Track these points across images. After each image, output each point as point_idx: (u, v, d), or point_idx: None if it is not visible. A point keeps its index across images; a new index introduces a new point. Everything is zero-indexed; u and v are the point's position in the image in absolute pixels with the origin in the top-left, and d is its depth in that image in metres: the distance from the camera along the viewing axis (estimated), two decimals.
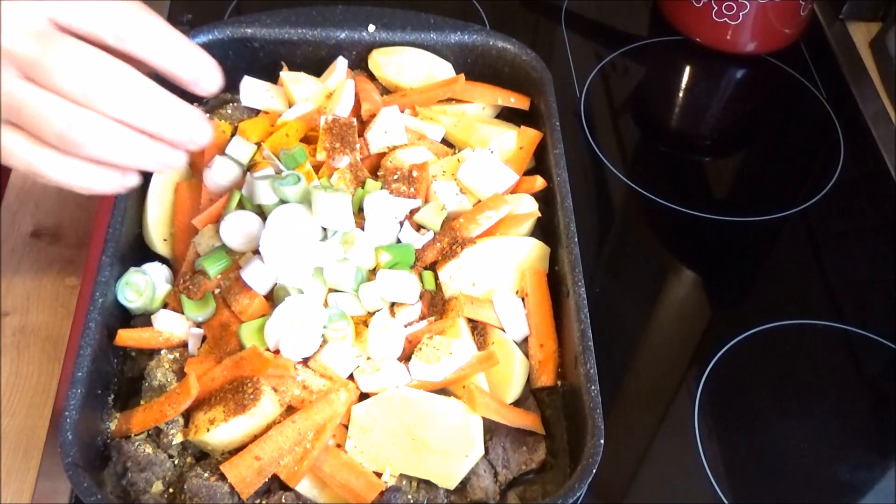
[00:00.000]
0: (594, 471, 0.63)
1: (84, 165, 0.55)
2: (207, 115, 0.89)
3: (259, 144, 0.84)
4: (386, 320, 0.72)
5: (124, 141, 0.54)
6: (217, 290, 0.74)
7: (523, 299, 0.76)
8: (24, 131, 0.51)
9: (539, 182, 0.83)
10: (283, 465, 0.65)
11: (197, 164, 0.83)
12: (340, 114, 0.85)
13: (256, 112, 0.90)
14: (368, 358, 0.71)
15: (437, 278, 0.76)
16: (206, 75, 0.58)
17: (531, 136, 0.86)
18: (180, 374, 0.70)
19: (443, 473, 0.66)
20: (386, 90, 0.91)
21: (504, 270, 0.78)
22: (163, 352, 0.72)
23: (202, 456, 0.68)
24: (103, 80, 0.51)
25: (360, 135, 0.84)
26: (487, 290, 0.77)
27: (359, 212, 0.77)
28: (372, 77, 0.92)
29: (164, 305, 0.74)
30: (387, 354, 0.70)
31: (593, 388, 0.67)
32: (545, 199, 0.83)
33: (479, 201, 0.81)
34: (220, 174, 0.81)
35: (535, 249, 0.79)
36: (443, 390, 0.71)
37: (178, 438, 0.68)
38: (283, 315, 0.69)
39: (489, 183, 0.81)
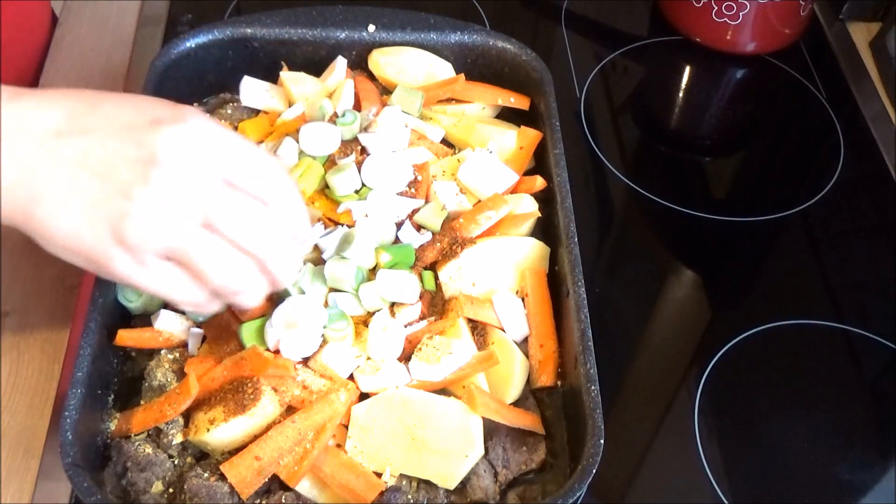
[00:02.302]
0: (594, 471, 0.63)
1: (216, 302, 0.63)
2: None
3: (259, 144, 0.84)
4: (386, 320, 0.72)
5: (262, 289, 0.63)
6: None
7: (523, 299, 0.76)
8: (184, 268, 0.58)
9: (539, 182, 0.83)
10: (283, 465, 0.65)
11: None
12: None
13: (256, 112, 0.90)
14: (368, 358, 0.71)
15: (437, 278, 0.76)
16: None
17: (531, 136, 0.86)
18: (180, 374, 0.70)
19: (443, 473, 0.66)
20: (386, 90, 0.91)
21: (504, 270, 0.78)
22: (163, 352, 0.72)
23: (202, 456, 0.68)
24: (267, 236, 0.60)
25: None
26: (487, 290, 0.76)
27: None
28: (372, 77, 0.92)
29: (164, 305, 0.74)
30: (387, 354, 0.70)
31: (593, 388, 0.67)
32: (545, 199, 0.83)
33: (479, 201, 0.81)
34: None
35: (535, 249, 0.79)
36: (443, 390, 0.71)
37: (178, 438, 0.68)
38: (283, 315, 0.69)
39: (489, 183, 0.81)
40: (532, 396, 0.73)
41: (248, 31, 0.91)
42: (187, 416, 0.69)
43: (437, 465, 0.66)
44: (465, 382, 0.70)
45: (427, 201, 0.80)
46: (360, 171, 0.80)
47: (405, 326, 0.73)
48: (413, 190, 0.80)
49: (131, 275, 0.58)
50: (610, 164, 1.03)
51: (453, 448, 0.66)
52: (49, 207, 0.56)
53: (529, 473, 0.70)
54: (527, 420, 0.70)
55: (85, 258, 0.58)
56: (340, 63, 0.90)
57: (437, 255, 0.77)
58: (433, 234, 0.78)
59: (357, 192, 0.79)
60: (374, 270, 0.75)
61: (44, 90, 0.59)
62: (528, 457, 0.69)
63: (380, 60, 0.91)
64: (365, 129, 0.84)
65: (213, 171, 0.57)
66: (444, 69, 0.92)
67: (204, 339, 0.72)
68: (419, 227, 0.78)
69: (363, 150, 0.82)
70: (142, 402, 0.70)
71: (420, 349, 0.70)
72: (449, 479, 0.66)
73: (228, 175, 0.58)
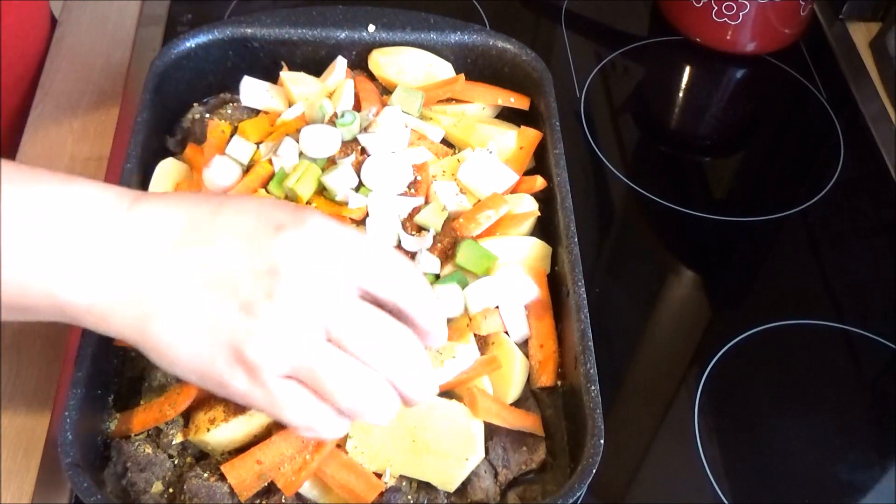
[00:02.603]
0: (594, 471, 0.63)
1: (340, 422, 0.56)
2: (207, 115, 0.89)
3: (259, 144, 0.84)
4: None
5: (393, 405, 0.56)
6: None
7: None
8: (306, 386, 0.54)
9: (539, 182, 0.83)
10: (283, 472, 0.65)
11: (197, 165, 0.83)
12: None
13: (256, 112, 0.90)
14: None
15: (438, 278, 0.76)
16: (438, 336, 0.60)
17: (531, 136, 0.86)
18: None
19: (443, 476, 0.66)
20: (386, 90, 0.91)
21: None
22: None
23: (202, 456, 0.68)
24: (400, 352, 0.55)
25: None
26: None
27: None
28: (372, 77, 0.92)
29: None
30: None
31: (593, 388, 0.67)
32: (545, 198, 0.83)
33: (479, 201, 0.81)
34: (219, 174, 0.80)
35: (536, 249, 0.79)
36: (444, 392, 0.70)
37: (178, 438, 0.67)
38: None
39: (489, 183, 0.81)
40: (532, 396, 0.73)
41: (248, 31, 0.91)
42: (187, 416, 0.69)
43: (438, 468, 0.66)
44: (468, 385, 0.70)
45: (427, 201, 0.80)
46: (359, 172, 0.80)
47: None
48: (413, 190, 0.80)
49: (249, 394, 0.53)
50: (610, 164, 1.03)
51: (454, 451, 0.66)
52: (166, 324, 0.53)
53: (529, 473, 0.70)
54: (527, 422, 0.70)
55: (199, 376, 0.54)
56: (340, 63, 0.90)
57: (439, 255, 0.77)
58: (434, 235, 0.78)
59: (355, 190, 0.79)
60: None
61: (163, 195, 0.58)
62: (528, 457, 0.69)
63: (380, 60, 0.91)
64: (365, 130, 0.84)
65: (339, 278, 0.53)
66: (444, 69, 0.92)
67: None
68: (420, 229, 0.78)
69: (363, 151, 0.82)
70: (142, 402, 0.70)
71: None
72: (449, 481, 0.66)
73: (357, 281, 0.54)
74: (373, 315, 0.54)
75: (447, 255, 0.77)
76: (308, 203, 0.79)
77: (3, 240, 0.52)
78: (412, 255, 0.76)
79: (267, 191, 0.80)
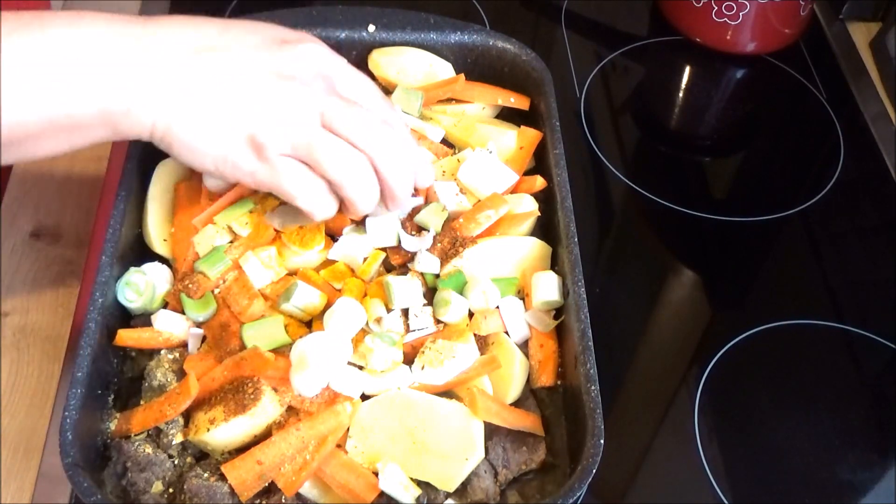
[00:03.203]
0: (594, 471, 0.63)
1: (329, 198, 0.69)
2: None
3: None
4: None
5: (374, 188, 0.70)
6: (217, 290, 0.74)
7: (524, 299, 0.76)
8: (305, 164, 0.67)
9: (539, 182, 0.83)
10: (283, 472, 0.65)
11: None
12: None
13: None
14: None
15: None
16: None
17: (531, 135, 0.86)
18: (180, 374, 0.70)
19: (442, 476, 0.66)
20: (386, 90, 0.91)
21: (505, 270, 0.78)
22: (163, 352, 0.72)
23: (202, 456, 0.68)
24: (376, 134, 0.68)
25: None
26: None
27: None
28: (372, 77, 0.92)
29: (165, 305, 0.74)
30: (388, 364, 0.70)
31: (593, 388, 0.67)
32: (545, 198, 0.83)
33: (479, 201, 0.81)
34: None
35: (537, 249, 0.79)
36: (445, 392, 0.70)
37: (178, 438, 0.67)
38: (297, 352, 0.68)
39: (489, 183, 0.81)
40: (532, 396, 0.73)
41: None
42: (187, 415, 0.69)
43: (437, 468, 0.66)
44: (468, 385, 0.70)
45: (427, 201, 0.80)
46: None
47: (414, 331, 0.72)
48: (412, 189, 0.80)
49: (256, 171, 0.66)
50: (610, 164, 1.03)
51: (454, 451, 0.66)
52: (192, 117, 0.64)
53: (529, 473, 0.70)
54: (527, 422, 0.70)
55: (215, 159, 0.66)
56: None
57: (439, 255, 0.77)
58: (434, 235, 0.78)
59: None
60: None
61: (173, 17, 0.67)
62: (528, 457, 0.69)
63: (380, 60, 0.91)
64: None
65: (330, 82, 0.68)
66: (444, 69, 0.92)
67: (204, 339, 0.72)
68: (419, 229, 0.78)
69: None
70: (142, 402, 0.70)
71: (423, 352, 0.70)
72: (448, 481, 0.66)
73: (341, 87, 0.69)
74: (354, 107, 0.67)
75: (447, 255, 0.76)
76: None
77: (46, 71, 0.61)
78: (412, 255, 0.76)
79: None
